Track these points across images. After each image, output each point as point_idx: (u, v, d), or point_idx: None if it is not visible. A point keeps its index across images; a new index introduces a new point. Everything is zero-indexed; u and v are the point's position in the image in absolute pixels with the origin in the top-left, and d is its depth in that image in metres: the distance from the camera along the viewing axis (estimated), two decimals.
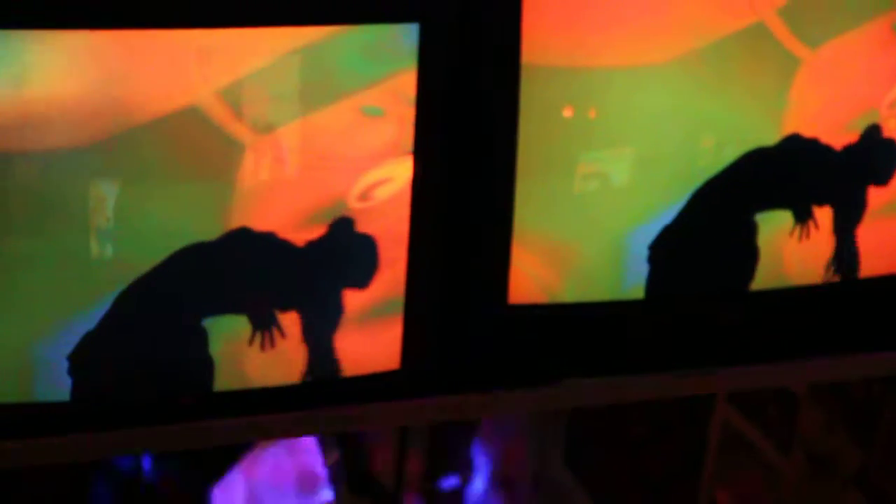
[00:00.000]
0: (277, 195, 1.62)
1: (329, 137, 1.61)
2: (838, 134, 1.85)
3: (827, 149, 1.85)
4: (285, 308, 1.68)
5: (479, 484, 2.77)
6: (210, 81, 1.54)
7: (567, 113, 1.71)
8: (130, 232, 1.58)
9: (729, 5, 1.74)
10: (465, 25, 1.66)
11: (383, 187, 1.67)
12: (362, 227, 1.67)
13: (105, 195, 1.55)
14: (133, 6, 1.51)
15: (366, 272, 1.69)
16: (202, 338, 1.65)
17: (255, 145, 1.59)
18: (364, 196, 1.66)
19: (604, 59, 1.71)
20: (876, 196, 1.91)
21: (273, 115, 1.59)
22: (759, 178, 1.83)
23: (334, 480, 2.48)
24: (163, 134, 1.54)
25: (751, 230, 1.86)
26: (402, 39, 1.61)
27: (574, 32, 1.69)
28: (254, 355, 1.68)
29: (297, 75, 1.58)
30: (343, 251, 1.67)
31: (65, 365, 1.61)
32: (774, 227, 1.87)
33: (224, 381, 1.69)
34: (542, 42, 1.68)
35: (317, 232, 1.65)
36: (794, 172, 1.85)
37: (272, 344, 1.68)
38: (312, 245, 1.65)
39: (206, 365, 1.67)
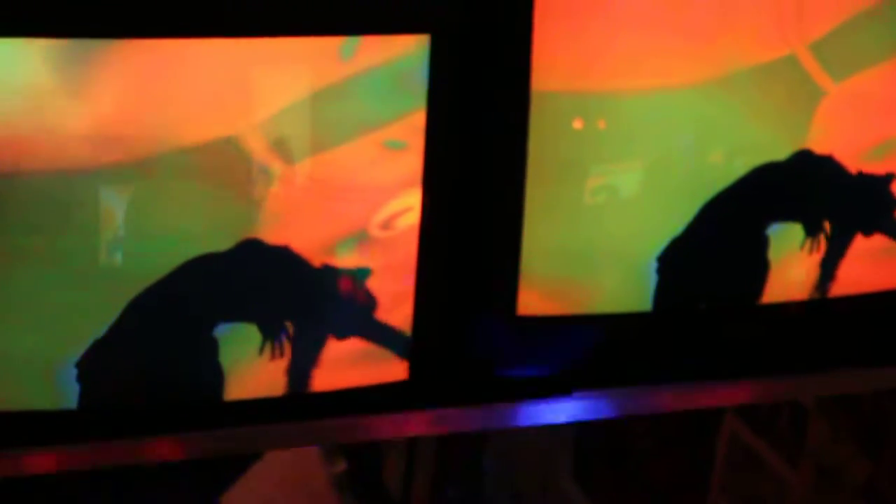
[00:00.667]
0: (299, 220, 1.63)
1: (353, 169, 1.63)
2: (856, 159, 1.85)
3: (839, 166, 1.85)
4: (293, 321, 1.69)
5: (487, 495, 2.77)
6: (248, 115, 1.57)
7: (577, 126, 1.72)
8: (150, 247, 1.59)
9: (762, 37, 1.74)
10: (476, 39, 1.66)
11: (404, 217, 1.68)
12: (384, 253, 1.68)
13: (127, 210, 1.56)
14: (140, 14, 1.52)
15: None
16: (212, 347, 1.66)
17: (283, 174, 1.60)
18: (386, 225, 1.67)
19: (619, 81, 1.71)
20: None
21: (300, 148, 1.60)
22: (771, 193, 1.83)
23: (342, 491, 2.48)
24: (196, 159, 1.56)
25: (761, 244, 1.86)
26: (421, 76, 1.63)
27: (595, 56, 1.70)
28: (262, 366, 1.69)
29: (325, 111, 1.60)
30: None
31: (73, 373, 1.62)
32: (785, 241, 1.87)
33: (232, 390, 1.69)
34: (552, 64, 1.68)
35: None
36: (805, 187, 1.85)
37: (282, 353, 1.69)
38: (327, 268, 1.66)
39: (216, 374, 1.67)
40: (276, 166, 1.60)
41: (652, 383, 1.92)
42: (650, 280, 1.83)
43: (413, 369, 1.76)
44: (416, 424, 1.87)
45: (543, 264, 1.77)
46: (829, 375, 2.01)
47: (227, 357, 1.67)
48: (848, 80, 1.81)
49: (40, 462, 1.68)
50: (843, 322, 1.96)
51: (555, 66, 1.68)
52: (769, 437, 2.70)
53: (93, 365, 1.62)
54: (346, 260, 1.67)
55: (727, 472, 2.77)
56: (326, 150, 1.62)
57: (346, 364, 1.73)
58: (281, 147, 1.59)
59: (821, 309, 1.92)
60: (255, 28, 1.55)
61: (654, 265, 1.82)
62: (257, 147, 1.58)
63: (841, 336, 1.97)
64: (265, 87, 1.57)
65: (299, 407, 1.74)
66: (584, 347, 1.86)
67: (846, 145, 1.84)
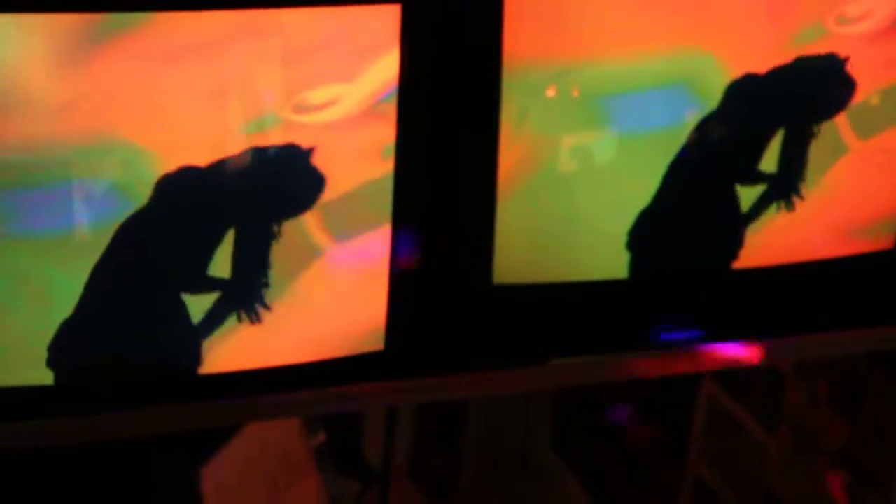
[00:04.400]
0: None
1: None
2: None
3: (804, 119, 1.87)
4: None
5: (467, 464, 2.77)
6: None
7: (550, 94, 1.72)
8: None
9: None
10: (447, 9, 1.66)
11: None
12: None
13: None
14: None
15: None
16: (181, 313, 1.65)
17: None
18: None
19: (591, 50, 1.72)
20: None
21: None
22: (735, 151, 1.84)
23: (322, 462, 2.48)
24: None
25: (731, 207, 1.86)
26: None
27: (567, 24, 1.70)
28: (238, 336, 1.69)
29: None
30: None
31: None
32: (756, 204, 1.87)
33: (209, 362, 1.69)
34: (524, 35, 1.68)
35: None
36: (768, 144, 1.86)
37: (258, 319, 1.68)
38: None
39: (191, 346, 1.67)
40: None
41: (628, 350, 1.92)
42: (624, 247, 1.84)
43: (389, 339, 1.76)
44: (394, 394, 1.87)
45: (518, 233, 1.77)
46: (805, 339, 2.01)
47: (199, 328, 1.67)
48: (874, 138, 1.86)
49: (18, 436, 1.68)
50: (818, 286, 1.96)
51: (526, 36, 1.68)
52: (746, 401, 2.71)
53: (65, 346, 1.62)
54: None
55: (705, 437, 2.78)
56: None
57: (323, 335, 1.73)
58: None
59: (795, 273, 1.93)
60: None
61: (627, 233, 1.82)
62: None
63: (816, 300, 1.98)
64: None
65: (277, 379, 1.73)
66: (560, 315, 1.86)
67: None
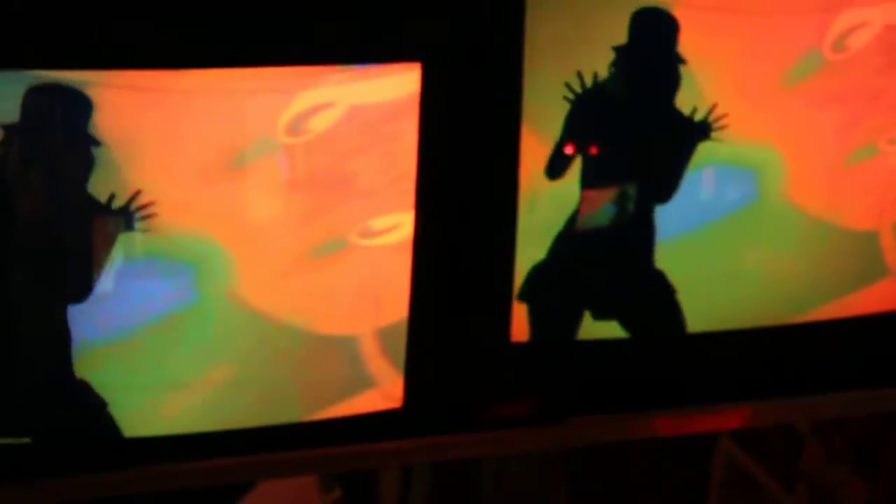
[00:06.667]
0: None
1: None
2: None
3: None
4: None
5: None
6: None
7: (569, 151, 1.72)
8: None
9: None
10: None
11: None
12: (367, 266, 1.68)
13: None
14: None
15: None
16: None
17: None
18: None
19: None
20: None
21: None
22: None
23: None
24: None
25: (755, 262, 1.86)
26: None
27: None
28: (252, 395, 1.68)
29: None
30: None
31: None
32: (778, 260, 1.87)
33: (226, 419, 1.68)
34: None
35: None
36: None
37: None
38: None
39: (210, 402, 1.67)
40: None
41: (647, 409, 1.91)
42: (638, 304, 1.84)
43: (407, 397, 1.76)
44: (410, 452, 1.86)
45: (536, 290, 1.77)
46: (823, 398, 2.00)
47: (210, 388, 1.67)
48: None
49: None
50: (836, 344, 1.95)
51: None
52: (764, 460, 2.70)
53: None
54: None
55: (723, 496, 2.76)
56: None
57: (339, 392, 1.73)
58: None
59: (813, 331, 1.92)
60: (252, 58, 1.56)
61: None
62: None
63: (834, 359, 1.97)
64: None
65: (293, 436, 1.73)
66: (578, 373, 1.86)
67: None
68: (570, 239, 1.75)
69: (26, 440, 1.62)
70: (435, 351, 1.76)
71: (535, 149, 1.70)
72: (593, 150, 1.72)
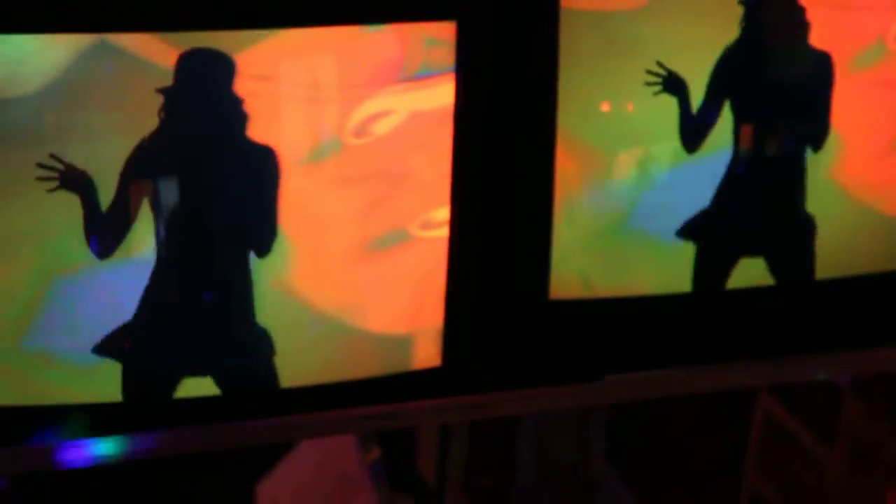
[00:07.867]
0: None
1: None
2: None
3: None
4: None
5: (521, 480, 2.76)
6: None
7: (605, 109, 1.72)
8: None
9: None
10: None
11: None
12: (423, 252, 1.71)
13: None
14: None
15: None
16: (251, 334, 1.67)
17: None
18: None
19: None
20: None
21: None
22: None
23: (376, 479, 2.49)
24: None
25: (792, 214, 1.85)
26: None
27: None
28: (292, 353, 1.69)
29: None
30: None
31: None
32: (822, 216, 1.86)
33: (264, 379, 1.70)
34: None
35: None
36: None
37: None
38: None
39: (251, 363, 1.68)
40: None
41: (685, 365, 1.91)
42: (682, 260, 1.83)
43: (446, 355, 1.76)
44: (450, 411, 1.87)
45: (576, 246, 1.77)
46: (862, 354, 2.00)
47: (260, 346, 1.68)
48: None
49: (77, 453, 1.69)
50: (877, 300, 1.94)
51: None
52: (804, 416, 2.69)
53: (124, 354, 1.63)
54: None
55: (762, 452, 2.76)
56: None
57: (379, 351, 1.73)
58: None
59: (855, 287, 1.91)
60: (284, 19, 1.57)
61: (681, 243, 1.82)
62: None
63: (875, 314, 1.96)
64: None
65: (332, 395, 1.74)
66: (617, 330, 1.86)
67: None
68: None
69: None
70: (474, 309, 1.76)
71: (572, 108, 1.70)
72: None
